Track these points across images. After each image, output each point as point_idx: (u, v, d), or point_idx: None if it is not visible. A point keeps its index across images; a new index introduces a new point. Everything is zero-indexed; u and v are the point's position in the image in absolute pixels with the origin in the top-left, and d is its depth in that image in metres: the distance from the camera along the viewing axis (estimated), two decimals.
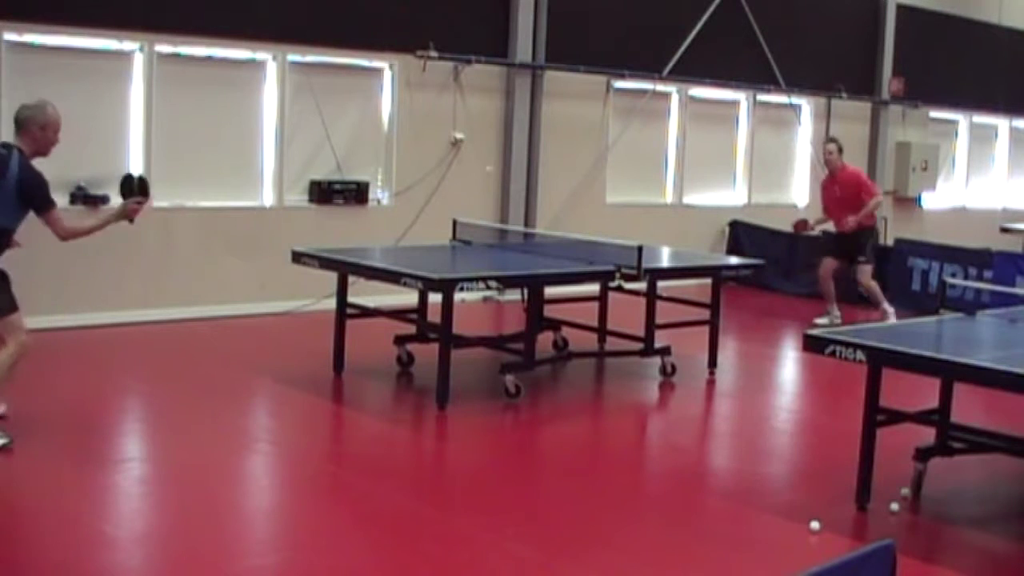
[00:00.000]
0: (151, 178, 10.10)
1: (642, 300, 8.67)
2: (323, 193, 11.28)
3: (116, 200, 9.93)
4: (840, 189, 11.29)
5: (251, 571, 4.96)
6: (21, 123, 6.38)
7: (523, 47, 12.51)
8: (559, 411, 8.08)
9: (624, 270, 8.14)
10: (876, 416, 5.86)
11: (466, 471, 6.66)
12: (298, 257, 8.43)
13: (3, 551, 4.98)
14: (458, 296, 7.62)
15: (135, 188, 6.78)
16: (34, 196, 6.29)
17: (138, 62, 10.11)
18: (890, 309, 11.33)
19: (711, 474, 6.86)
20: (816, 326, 10.31)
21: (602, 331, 9.39)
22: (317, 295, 10.19)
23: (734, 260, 11.13)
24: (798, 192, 16.18)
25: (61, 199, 9.60)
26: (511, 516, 5.74)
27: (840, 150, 11.34)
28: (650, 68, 13.72)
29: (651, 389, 8.76)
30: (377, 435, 7.28)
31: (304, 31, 11.02)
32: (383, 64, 11.73)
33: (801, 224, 12.06)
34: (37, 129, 6.36)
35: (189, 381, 8.18)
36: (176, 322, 10.05)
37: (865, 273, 11.38)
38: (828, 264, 11.46)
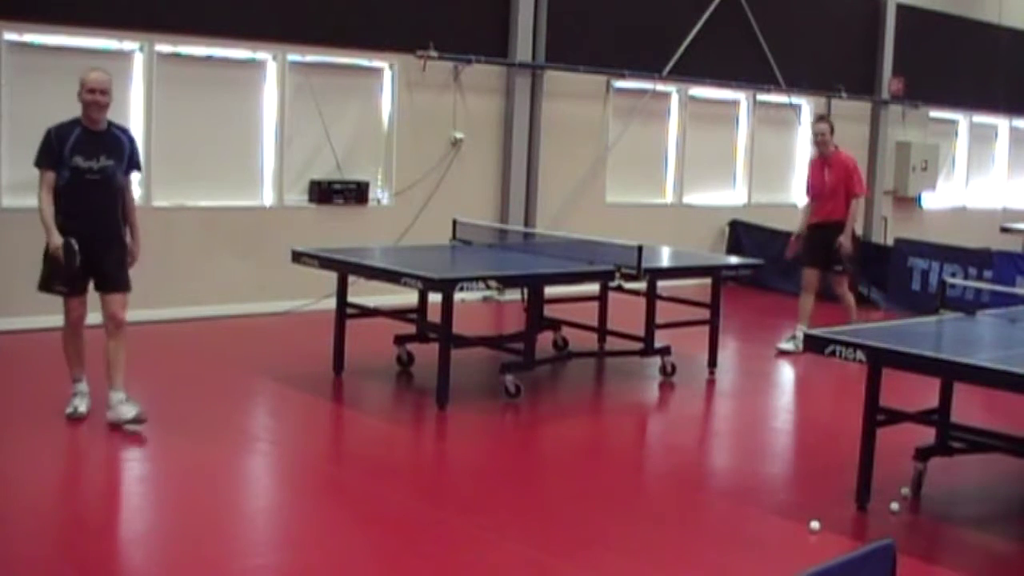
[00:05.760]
0: (151, 177, 10.17)
1: (642, 300, 8.67)
2: (323, 193, 11.28)
3: None
4: (830, 173, 9.98)
5: (251, 571, 4.96)
6: None
7: (523, 47, 12.51)
8: (559, 411, 8.07)
9: (624, 270, 8.14)
10: (876, 416, 5.86)
11: (466, 471, 6.66)
12: (298, 257, 8.43)
13: (3, 551, 4.98)
14: (458, 296, 7.62)
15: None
16: None
17: (138, 62, 10.11)
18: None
19: (711, 474, 6.86)
20: (782, 352, 10.02)
21: (602, 331, 9.39)
22: (317, 295, 10.19)
23: (734, 260, 11.07)
24: (798, 192, 16.15)
25: None
26: (511, 516, 5.74)
27: (832, 131, 10.10)
28: (650, 68, 13.72)
29: (651, 389, 8.76)
30: (377, 435, 7.28)
31: (304, 31, 11.02)
32: (383, 64, 11.73)
33: (795, 244, 10.34)
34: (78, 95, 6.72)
35: (189, 381, 8.17)
36: (176, 322, 10.05)
37: (842, 283, 10.15)
38: (811, 276, 10.16)
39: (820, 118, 10.64)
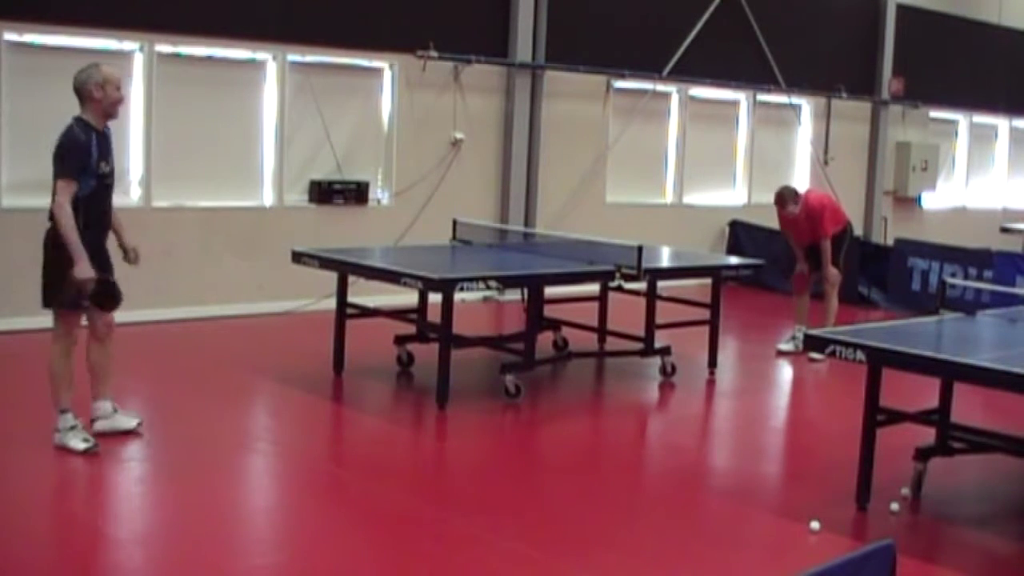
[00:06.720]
0: (151, 178, 10.19)
1: (642, 300, 8.67)
2: (323, 193, 11.29)
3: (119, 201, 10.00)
4: (806, 218, 9.96)
5: (251, 571, 4.96)
6: (78, 91, 6.13)
7: (523, 47, 12.51)
8: (559, 411, 8.07)
9: (624, 270, 8.14)
10: (876, 416, 5.86)
11: (466, 471, 6.66)
12: (298, 257, 8.43)
13: (2, 551, 4.98)
14: (458, 296, 7.62)
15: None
16: (53, 159, 6.08)
17: (138, 62, 10.11)
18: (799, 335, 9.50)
19: (711, 474, 6.86)
20: (781, 352, 10.07)
21: (602, 331, 9.39)
22: (317, 295, 10.19)
23: (734, 260, 11.06)
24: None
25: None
26: (511, 516, 5.74)
27: (795, 198, 9.97)
28: (650, 68, 13.73)
29: (651, 389, 8.76)
30: (377, 435, 7.28)
31: (304, 31, 11.02)
32: (383, 64, 11.73)
33: (801, 279, 10.23)
34: (96, 89, 6.11)
35: (189, 381, 8.18)
36: (176, 322, 10.05)
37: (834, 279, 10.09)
38: (803, 274, 10.21)
39: (783, 199, 10.00)
